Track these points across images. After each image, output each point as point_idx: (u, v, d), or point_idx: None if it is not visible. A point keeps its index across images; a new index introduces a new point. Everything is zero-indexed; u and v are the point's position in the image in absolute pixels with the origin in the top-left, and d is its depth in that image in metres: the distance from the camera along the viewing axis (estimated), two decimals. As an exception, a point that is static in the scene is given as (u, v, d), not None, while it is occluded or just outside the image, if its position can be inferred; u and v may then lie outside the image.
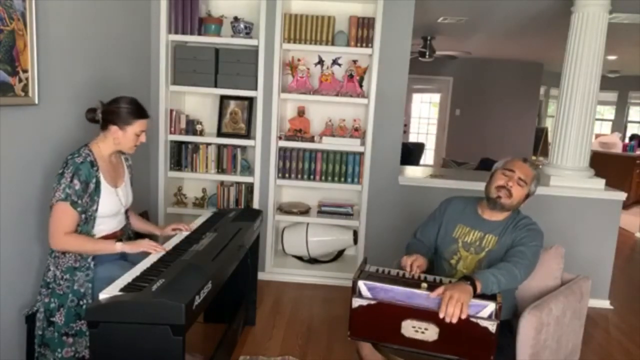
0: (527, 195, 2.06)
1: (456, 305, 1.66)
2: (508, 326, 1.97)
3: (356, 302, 1.80)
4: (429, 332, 1.74)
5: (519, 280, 1.91)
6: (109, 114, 2.12)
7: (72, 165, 2.02)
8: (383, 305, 1.78)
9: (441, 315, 1.68)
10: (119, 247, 2.09)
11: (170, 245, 2.19)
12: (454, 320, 1.67)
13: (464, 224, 2.12)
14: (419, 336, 1.75)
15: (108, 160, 2.18)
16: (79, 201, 2.01)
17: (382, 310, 1.78)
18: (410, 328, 1.75)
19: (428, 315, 1.73)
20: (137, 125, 2.15)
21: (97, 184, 2.09)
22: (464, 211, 2.15)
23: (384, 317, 1.78)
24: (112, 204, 2.16)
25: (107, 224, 2.16)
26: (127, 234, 2.33)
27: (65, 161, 2.05)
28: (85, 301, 2.03)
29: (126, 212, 2.33)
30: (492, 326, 1.68)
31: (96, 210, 2.09)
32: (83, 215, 2.04)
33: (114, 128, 2.12)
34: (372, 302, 1.79)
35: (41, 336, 2.04)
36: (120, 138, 2.13)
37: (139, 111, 2.16)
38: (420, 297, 1.75)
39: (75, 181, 2.00)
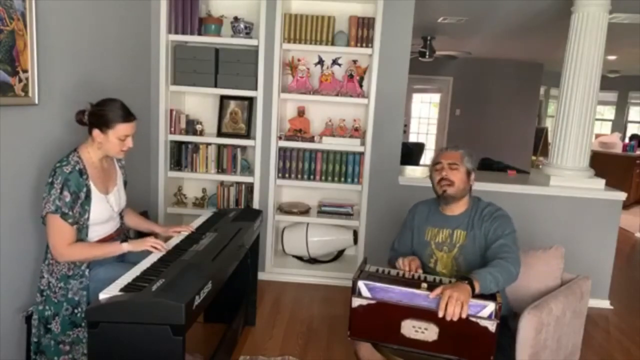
0: (469, 173, 2.10)
1: (456, 304, 1.67)
2: (504, 323, 1.97)
3: (356, 302, 1.81)
4: (429, 332, 1.74)
5: (515, 276, 1.90)
6: (92, 116, 2.04)
7: (60, 175, 1.94)
8: (383, 305, 1.78)
9: (440, 314, 1.68)
10: (125, 247, 2.07)
11: (170, 245, 2.18)
12: (455, 319, 1.67)
13: (432, 226, 2.16)
14: (418, 336, 1.75)
15: (99, 165, 2.11)
16: (70, 212, 1.95)
17: (382, 309, 1.78)
18: (410, 328, 1.76)
19: (428, 315, 1.73)
20: (120, 130, 2.03)
21: (88, 192, 2.03)
22: (429, 213, 2.21)
23: (384, 316, 1.78)
24: (103, 211, 2.10)
25: (101, 230, 2.13)
26: (123, 235, 2.28)
27: (54, 169, 1.97)
28: (80, 309, 2.00)
29: (120, 213, 2.28)
30: (492, 326, 1.68)
31: (88, 218, 2.04)
32: (76, 225, 1.99)
33: (96, 132, 2.02)
34: (372, 301, 1.79)
35: (37, 343, 2.02)
36: (103, 143, 2.04)
37: (121, 115, 2.04)
38: (420, 297, 1.75)
39: (65, 193, 1.93)
